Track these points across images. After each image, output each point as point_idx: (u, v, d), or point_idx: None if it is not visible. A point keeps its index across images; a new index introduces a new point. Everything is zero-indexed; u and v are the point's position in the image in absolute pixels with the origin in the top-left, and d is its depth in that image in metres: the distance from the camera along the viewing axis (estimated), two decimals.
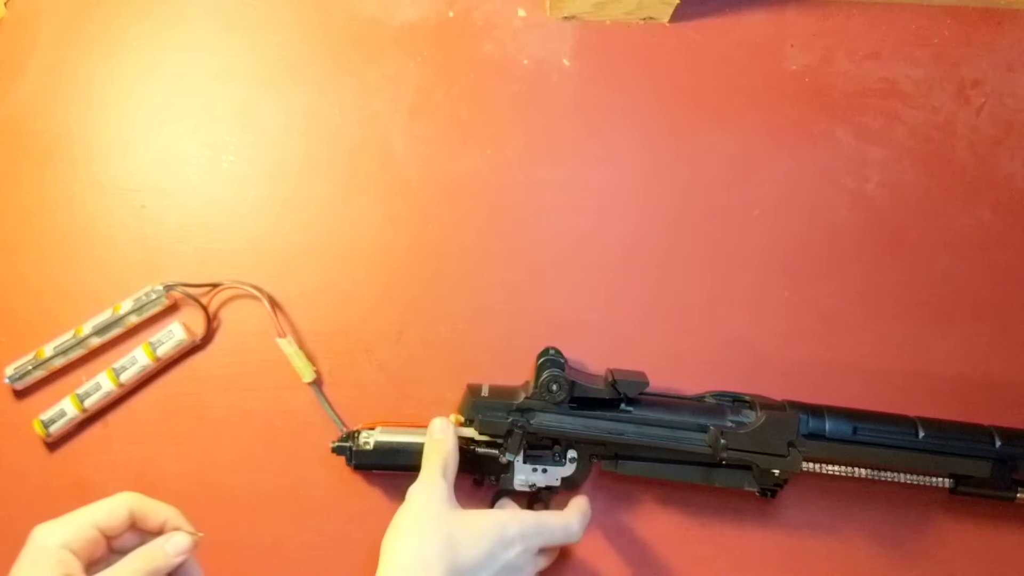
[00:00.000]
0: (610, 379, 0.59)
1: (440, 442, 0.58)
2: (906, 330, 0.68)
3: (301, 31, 0.72)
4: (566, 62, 0.72)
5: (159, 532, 0.48)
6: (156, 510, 0.48)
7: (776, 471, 0.59)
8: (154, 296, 0.65)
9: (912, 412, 0.62)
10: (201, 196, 0.69)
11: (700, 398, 0.64)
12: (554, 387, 0.59)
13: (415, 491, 0.55)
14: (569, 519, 0.57)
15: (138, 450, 0.66)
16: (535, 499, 0.62)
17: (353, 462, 0.62)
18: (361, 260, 0.68)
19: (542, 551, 0.57)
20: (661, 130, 0.71)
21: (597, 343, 0.67)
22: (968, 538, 0.65)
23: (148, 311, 0.66)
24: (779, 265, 0.69)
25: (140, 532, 0.48)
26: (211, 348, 0.67)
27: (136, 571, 0.45)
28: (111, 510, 0.46)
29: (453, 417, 0.62)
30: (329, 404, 0.65)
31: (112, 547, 0.47)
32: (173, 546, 0.46)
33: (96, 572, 0.44)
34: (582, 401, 0.60)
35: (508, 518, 0.54)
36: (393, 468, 0.62)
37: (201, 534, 0.48)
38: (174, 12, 0.72)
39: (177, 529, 0.48)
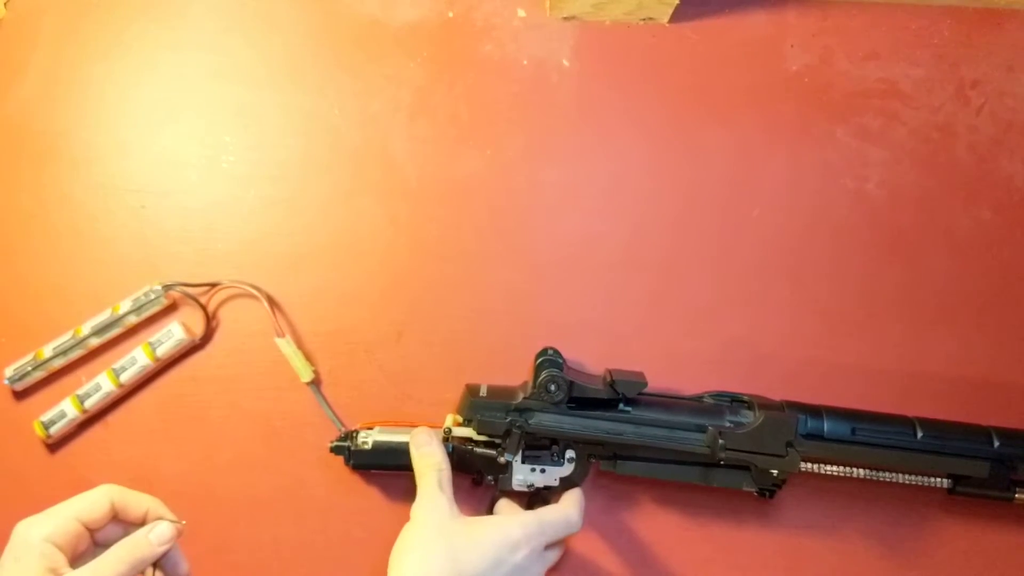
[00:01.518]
0: (608, 379, 0.59)
1: (429, 455, 0.58)
2: (906, 330, 0.68)
3: (301, 31, 0.72)
4: (566, 62, 0.72)
5: (142, 523, 0.48)
6: (138, 501, 0.48)
7: (774, 471, 0.59)
8: (153, 296, 0.65)
9: (912, 413, 0.62)
10: (201, 196, 0.69)
11: (698, 398, 0.64)
12: (552, 387, 0.59)
13: (416, 508, 0.55)
14: (568, 510, 0.57)
15: (138, 450, 0.66)
16: (534, 499, 0.62)
17: (351, 462, 0.62)
18: (361, 260, 0.68)
19: (549, 547, 0.57)
20: (661, 130, 0.71)
21: (596, 343, 0.67)
22: (966, 538, 0.65)
23: (147, 311, 0.66)
24: (779, 265, 0.69)
25: (123, 523, 0.48)
26: (210, 348, 0.67)
27: (121, 561, 0.44)
28: (93, 502, 0.46)
29: (451, 417, 0.62)
30: (327, 404, 0.65)
31: (96, 540, 0.47)
32: (157, 536, 0.46)
33: (81, 565, 0.44)
34: (580, 401, 0.60)
35: (511, 522, 0.54)
36: (391, 468, 0.62)
37: (184, 522, 0.48)
38: (174, 12, 0.72)
39: (160, 519, 0.48)
